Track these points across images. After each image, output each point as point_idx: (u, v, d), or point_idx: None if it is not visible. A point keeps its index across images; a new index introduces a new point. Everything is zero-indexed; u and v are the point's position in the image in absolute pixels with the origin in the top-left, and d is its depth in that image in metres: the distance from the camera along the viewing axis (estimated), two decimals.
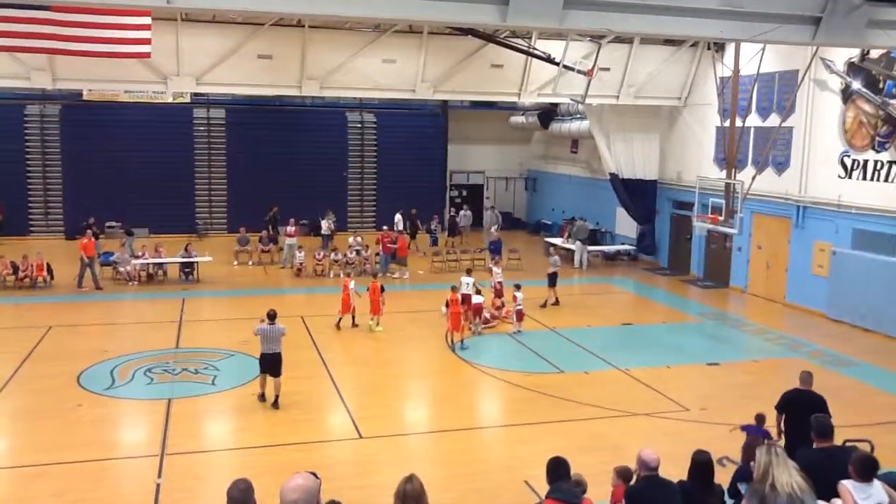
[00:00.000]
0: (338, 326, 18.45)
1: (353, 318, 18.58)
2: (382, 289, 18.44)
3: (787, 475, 5.79)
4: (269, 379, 13.37)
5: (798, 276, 21.33)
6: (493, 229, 30.30)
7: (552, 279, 21.13)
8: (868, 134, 19.10)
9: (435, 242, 29.85)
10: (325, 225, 28.23)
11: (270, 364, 13.31)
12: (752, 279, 23.21)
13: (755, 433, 9.98)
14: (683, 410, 13.34)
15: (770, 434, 9.97)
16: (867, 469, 6.28)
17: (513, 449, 11.79)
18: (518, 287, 18.63)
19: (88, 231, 23.81)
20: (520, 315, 18.37)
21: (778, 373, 15.96)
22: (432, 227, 31.11)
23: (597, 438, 11.96)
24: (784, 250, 21.88)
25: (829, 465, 6.44)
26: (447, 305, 17.08)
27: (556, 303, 21.11)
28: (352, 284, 18.79)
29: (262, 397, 13.49)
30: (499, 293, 20.10)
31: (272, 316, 13.30)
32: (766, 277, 22.59)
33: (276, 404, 13.25)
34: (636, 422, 12.80)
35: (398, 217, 29.55)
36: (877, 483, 6.27)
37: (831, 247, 20.01)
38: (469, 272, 19.64)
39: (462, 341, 17.07)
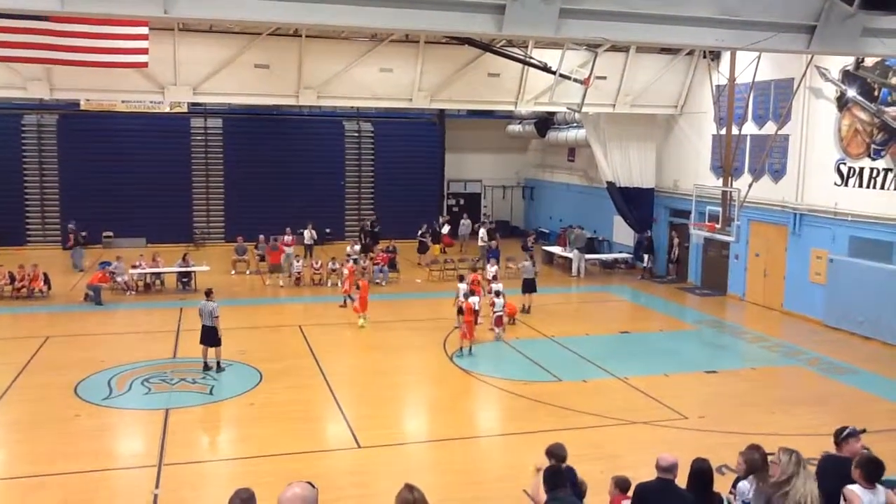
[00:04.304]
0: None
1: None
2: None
3: (804, 487, 5.87)
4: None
5: (795, 284, 21.35)
6: (491, 242, 29.93)
7: (529, 285, 20.95)
8: (864, 142, 19.15)
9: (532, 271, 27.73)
10: (308, 235, 28.28)
11: (204, 335, 15.30)
12: (749, 287, 23.22)
13: None
14: (682, 418, 13.32)
15: None
16: (874, 472, 6.20)
17: (511, 458, 11.76)
18: (498, 294, 18.51)
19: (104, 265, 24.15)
20: (498, 321, 18.33)
21: (776, 380, 15.98)
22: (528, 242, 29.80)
23: (595, 447, 11.93)
24: (781, 258, 21.91)
25: None
26: (461, 313, 17.06)
27: (528, 310, 20.64)
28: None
29: (206, 366, 15.39)
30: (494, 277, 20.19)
31: (208, 293, 15.46)
32: (764, 285, 22.61)
33: (218, 368, 15.34)
34: (634, 430, 12.77)
35: (483, 232, 29.48)
36: (880, 488, 6.17)
37: (828, 254, 20.05)
38: (462, 279, 19.60)
39: (463, 349, 17.02)
